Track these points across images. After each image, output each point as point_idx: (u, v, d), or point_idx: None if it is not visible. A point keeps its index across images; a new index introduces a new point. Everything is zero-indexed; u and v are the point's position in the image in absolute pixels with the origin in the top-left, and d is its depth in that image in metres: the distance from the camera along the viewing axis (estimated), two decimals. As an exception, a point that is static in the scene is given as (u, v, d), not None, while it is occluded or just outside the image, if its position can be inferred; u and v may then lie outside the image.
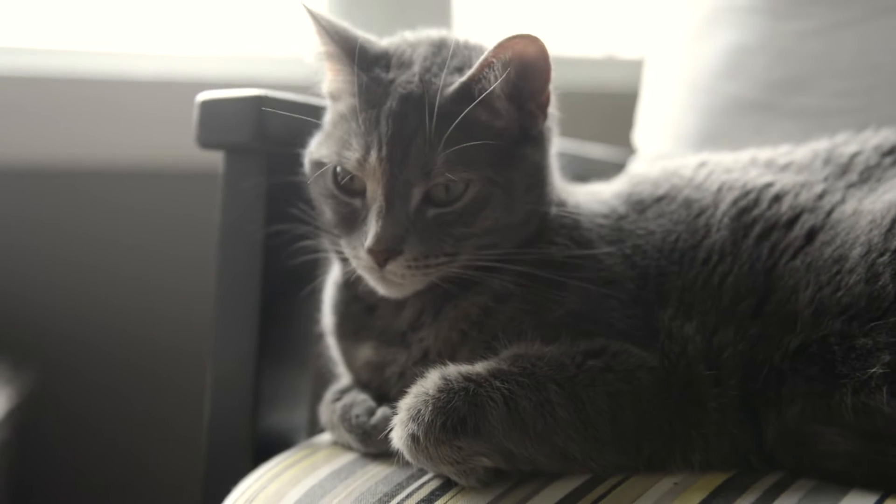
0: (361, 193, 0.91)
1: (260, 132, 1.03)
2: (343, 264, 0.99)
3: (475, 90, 0.89)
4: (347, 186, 0.92)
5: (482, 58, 0.87)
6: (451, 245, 0.89)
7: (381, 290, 0.92)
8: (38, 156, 1.78)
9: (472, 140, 0.87)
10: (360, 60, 0.93)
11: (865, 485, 0.80)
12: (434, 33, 1.00)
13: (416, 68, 0.92)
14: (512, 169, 0.91)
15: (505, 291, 0.91)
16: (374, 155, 0.88)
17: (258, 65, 1.98)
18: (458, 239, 0.89)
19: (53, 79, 1.79)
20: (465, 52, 0.95)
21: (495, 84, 0.88)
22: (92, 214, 1.85)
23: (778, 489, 0.80)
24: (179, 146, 1.71)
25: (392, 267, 0.88)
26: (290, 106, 1.03)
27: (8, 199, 1.81)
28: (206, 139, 1.07)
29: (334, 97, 0.98)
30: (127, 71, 1.83)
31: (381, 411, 0.94)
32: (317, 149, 0.95)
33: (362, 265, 0.90)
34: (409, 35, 1.00)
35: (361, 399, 0.98)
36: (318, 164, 0.94)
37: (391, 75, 0.92)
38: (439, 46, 0.96)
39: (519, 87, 0.91)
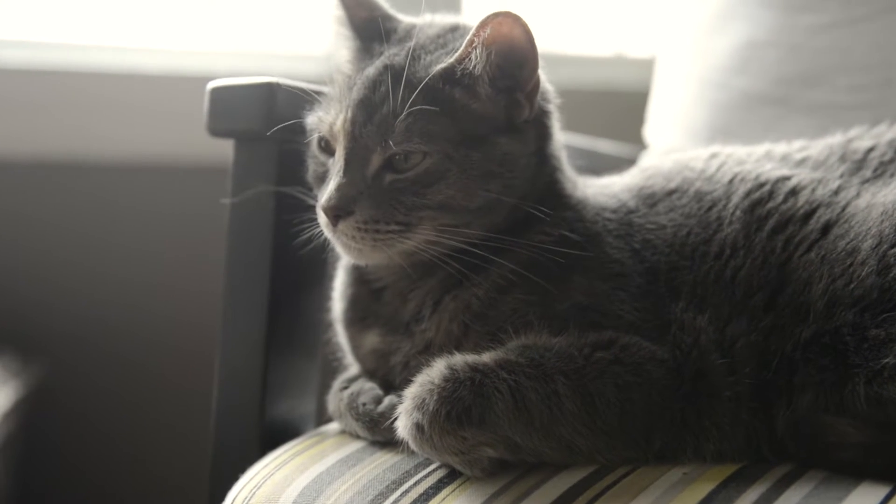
0: (333, 154, 0.93)
1: (271, 120, 1.03)
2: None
3: (458, 70, 0.90)
4: (325, 149, 0.95)
5: (467, 37, 0.88)
6: (403, 214, 0.89)
7: (342, 253, 0.94)
8: (47, 150, 1.79)
9: (438, 115, 0.88)
10: (362, 30, 0.97)
11: (877, 476, 0.79)
12: (451, 19, 1.00)
13: (412, 44, 0.94)
14: (473, 150, 0.90)
15: (505, 282, 0.91)
16: (340, 118, 0.91)
17: (268, 60, 1.99)
18: (409, 208, 0.89)
19: (63, 72, 1.80)
20: (459, 34, 0.96)
21: (475, 63, 0.89)
22: (100, 209, 1.85)
23: (788, 480, 0.80)
24: (188, 141, 1.73)
25: (342, 226, 0.89)
26: (302, 94, 1.03)
27: (16, 194, 1.82)
28: (217, 127, 1.07)
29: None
30: (136, 65, 1.84)
31: (388, 399, 0.94)
32: (311, 118, 0.98)
33: (322, 223, 0.92)
34: (429, 17, 1.01)
35: (369, 387, 0.97)
36: (310, 132, 0.97)
37: (384, 48, 0.95)
38: (450, 30, 0.97)
39: (505, 72, 0.90)
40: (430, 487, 0.82)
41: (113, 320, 1.86)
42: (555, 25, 2.16)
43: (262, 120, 1.03)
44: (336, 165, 0.91)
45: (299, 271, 1.09)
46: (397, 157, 0.89)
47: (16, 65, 1.79)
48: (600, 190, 1.03)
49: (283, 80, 1.03)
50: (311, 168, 0.97)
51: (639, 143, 1.63)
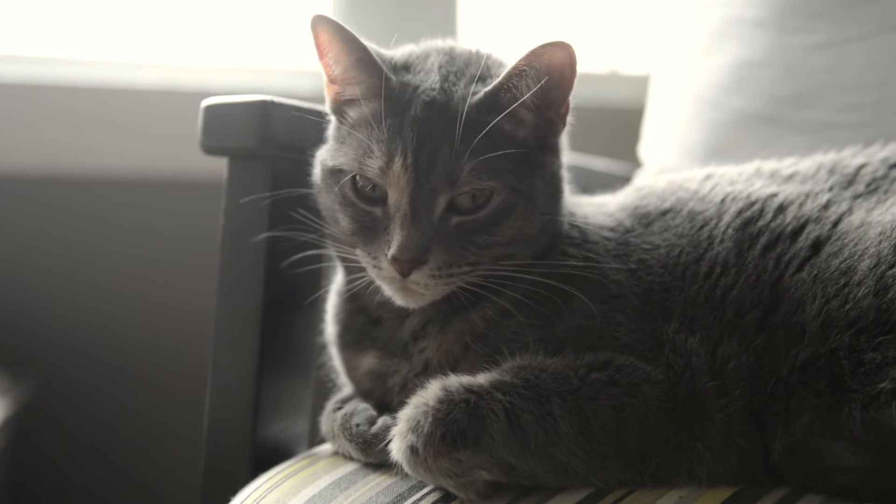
0: (382, 201, 0.89)
1: (265, 138, 1.02)
2: (348, 272, 0.98)
3: (502, 99, 0.88)
4: (367, 195, 0.90)
5: (512, 66, 0.87)
6: (475, 254, 0.88)
7: (399, 300, 0.90)
8: (40, 165, 1.78)
9: (496, 148, 0.86)
10: (388, 66, 0.92)
11: (874, 500, 0.79)
12: (440, 43, 0.99)
13: (436, 76, 0.92)
14: (534, 177, 0.91)
15: (514, 305, 0.90)
16: (398, 162, 0.86)
17: (263, 76, 1.98)
18: (480, 247, 0.89)
19: (57, 87, 1.80)
20: (479, 61, 0.95)
21: (528, 94, 0.88)
22: (93, 224, 1.85)
23: (785, 504, 0.79)
24: (182, 156, 1.72)
25: (416, 276, 0.86)
26: (296, 112, 1.02)
27: (9, 208, 1.81)
28: (211, 145, 1.06)
29: (344, 105, 0.95)
30: (131, 80, 1.83)
31: (382, 420, 0.93)
32: (332, 157, 0.93)
33: (383, 275, 0.89)
34: (416, 46, 0.99)
35: (362, 408, 0.97)
36: (334, 172, 0.92)
37: (415, 81, 0.91)
38: (451, 56, 0.96)
39: (543, 96, 0.90)
40: (424, 511, 0.82)
41: (106, 334, 1.85)
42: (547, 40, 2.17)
43: (256, 138, 1.03)
44: (399, 213, 0.87)
45: (292, 290, 1.08)
46: (461, 197, 0.87)
47: (10, 79, 1.78)
48: (597, 209, 1.03)
49: (277, 99, 1.03)
50: (351, 216, 0.91)
51: (633, 161, 1.63)
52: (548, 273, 0.89)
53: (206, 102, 1.06)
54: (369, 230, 0.90)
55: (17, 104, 1.78)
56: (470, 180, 0.86)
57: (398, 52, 0.98)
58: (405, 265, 0.86)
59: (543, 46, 0.86)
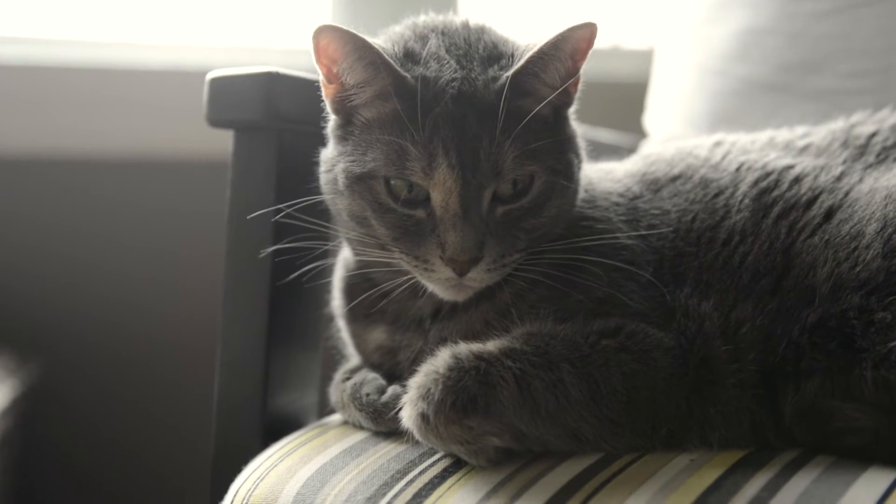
0: (423, 203, 0.86)
1: (271, 110, 1.02)
2: (366, 265, 0.95)
3: (526, 81, 0.87)
4: (405, 197, 0.87)
5: (537, 49, 0.86)
6: (524, 240, 0.88)
7: (450, 296, 0.89)
8: (41, 146, 1.78)
9: (530, 131, 0.86)
10: (397, 61, 0.88)
11: (885, 460, 0.79)
12: (429, 21, 0.96)
13: (452, 64, 0.89)
14: (568, 153, 0.91)
15: (536, 280, 0.90)
16: (442, 163, 0.84)
17: (268, 55, 1.98)
18: (529, 232, 0.88)
19: (59, 68, 1.79)
20: (480, 38, 0.93)
21: (550, 73, 0.87)
22: (97, 205, 1.85)
23: (796, 465, 0.79)
24: (185, 136, 1.72)
25: (473, 274, 0.86)
26: (302, 84, 1.02)
27: (11, 191, 1.81)
28: (216, 118, 1.06)
29: (354, 107, 0.91)
30: (133, 60, 1.83)
31: (392, 389, 0.93)
32: (358, 162, 0.88)
33: (436, 277, 0.87)
34: (403, 28, 0.95)
35: (371, 377, 0.97)
36: (363, 178, 0.88)
37: (430, 73, 0.87)
38: (448, 35, 0.93)
39: (564, 72, 0.89)
40: (435, 477, 0.82)
41: (111, 316, 1.85)
42: (550, 18, 2.16)
43: (262, 110, 1.02)
44: (448, 213, 0.85)
45: (300, 262, 1.07)
46: (502, 185, 0.86)
47: (12, 61, 1.78)
48: (603, 175, 1.02)
49: (282, 70, 1.02)
50: (390, 222, 0.88)
51: (637, 134, 1.63)
52: (569, 243, 0.89)
53: (211, 75, 1.06)
54: (413, 234, 0.87)
55: (20, 86, 1.77)
56: (513, 168, 0.86)
57: (389, 39, 0.94)
58: (464, 265, 0.85)
59: (573, 30, 0.85)
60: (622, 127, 1.68)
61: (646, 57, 1.69)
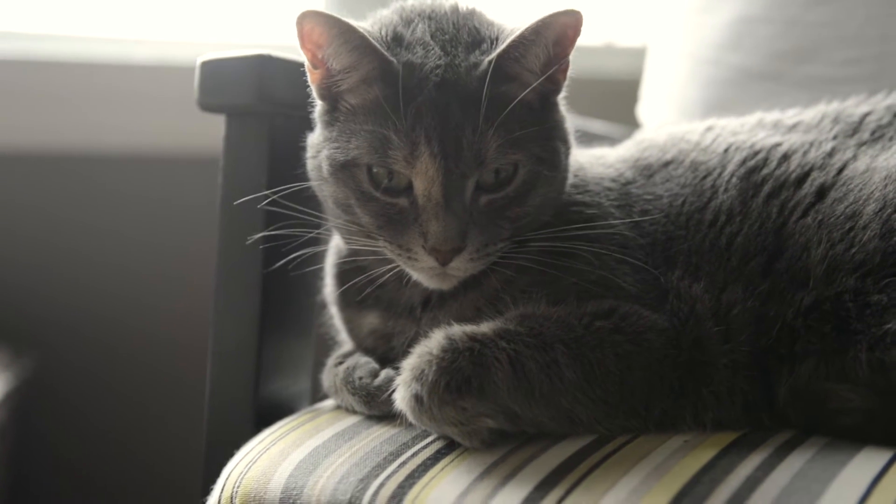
0: (406, 191, 0.86)
1: (263, 93, 1.01)
2: (356, 253, 0.95)
3: (510, 67, 0.86)
4: (387, 185, 0.86)
5: (518, 34, 0.85)
6: (508, 229, 0.88)
7: (433, 285, 0.89)
8: (36, 141, 1.78)
9: (513, 119, 0.85)
10: (383, 45, 0.87)
11: (879, 441, 0.78)
12: (416, 3, 0.95)
13: (436, 50, 0.87)
14: (554, 140, 0.90)
15: (525, 266, 0.89)
16: (424, 151, 0.83)
17: (260, 51, 1.96)
18: (513, 221, 0.88)
19: (53, 63, 1.79)
20: (467, 23, 0.92)
21: (533, 60, 0.86)
22: (91, 199, 1.84)
23: (790, 446, 0.79)
24: (178, 130, 1.72)
25: (456, 263, 0.85)
26: (296, 67, 1.01)
27: (7, 185, 1.80)
28: (208, 102, 1.05)
29: (339, 92, 0.90)
30: (126, 56, 1.82)
31: (385, 373, 0.93)
32: (342, 149, 0.88)
33: (419, 266, 0.86)
34: (390, 12, 0.94)
35: (364, 361, 0.96)
36: (347, 166, 0.87)
37: (416, 59, 0.86)
38: (435, 20, 0.91)
39: (549, 58, 0.88)
40: (428, 459, 0.81)
41: (105, 310, 1.84)
42: (543, 7, 2.15)
43: (254, 94, 1.02)
44: (430, 203, 0.84)
45: (292, 249, 1.07)
46: (485, 174, 0.86)
47: (6, 56, 1.77)
48: (595, 160, 1.02)
49: (275, 53, 1.02)
50: (373, 210, 0.87)
51: (631, 126, 1.62)
52: (559, 229, 0.89)
53: (202, 58, 1.05)
54: (396, 223, 0.86)
55: (12, 81, 1.77)
56: (497, 157, 0.85)
57: (376, 22, 0.93)
58: (446, 255, 0.84)
59: (555, 16, 0.85)
60: (615, 122, 1.68)
61: (639, 54, 1.70)
